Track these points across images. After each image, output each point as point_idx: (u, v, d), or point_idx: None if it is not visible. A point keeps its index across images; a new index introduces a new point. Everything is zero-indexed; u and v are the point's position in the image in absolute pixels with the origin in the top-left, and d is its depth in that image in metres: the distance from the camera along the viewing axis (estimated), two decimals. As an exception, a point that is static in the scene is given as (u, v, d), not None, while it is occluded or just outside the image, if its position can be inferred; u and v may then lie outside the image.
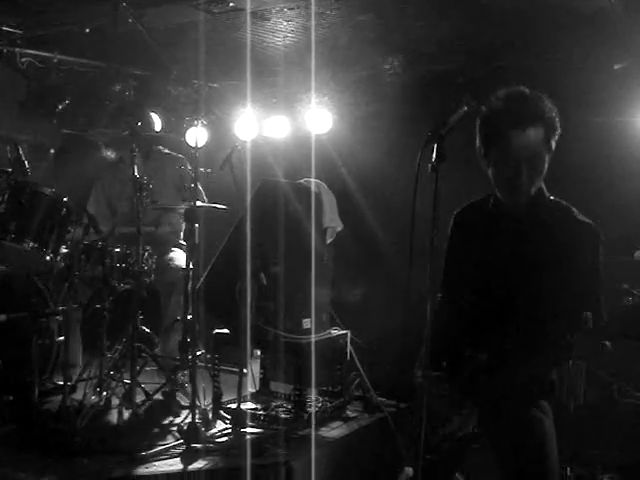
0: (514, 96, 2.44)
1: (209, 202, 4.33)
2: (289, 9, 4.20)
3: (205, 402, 3.66)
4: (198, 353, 3.77)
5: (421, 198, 2.20)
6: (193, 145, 4.04)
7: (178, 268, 4.40)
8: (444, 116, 2.25)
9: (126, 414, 3.65)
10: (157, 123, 4.94)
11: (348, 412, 3.92)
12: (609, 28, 3.99)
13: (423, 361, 2.23)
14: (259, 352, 4.18)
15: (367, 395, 3.96)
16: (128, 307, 3.86)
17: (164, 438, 3.41)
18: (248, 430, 3.47)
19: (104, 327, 3.76)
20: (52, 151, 5.73)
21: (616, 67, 4.30)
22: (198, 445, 3.27)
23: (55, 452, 3.14)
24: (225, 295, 3.67)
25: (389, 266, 4.92)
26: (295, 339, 3.74)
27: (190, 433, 3.30)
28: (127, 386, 3.73)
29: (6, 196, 3.76)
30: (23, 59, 4.98)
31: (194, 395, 3.45)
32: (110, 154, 4.80)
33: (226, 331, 3.88)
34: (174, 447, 3.27)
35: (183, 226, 4.10)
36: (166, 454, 3.21)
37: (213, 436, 3.42)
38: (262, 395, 4.09)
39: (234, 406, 3.58)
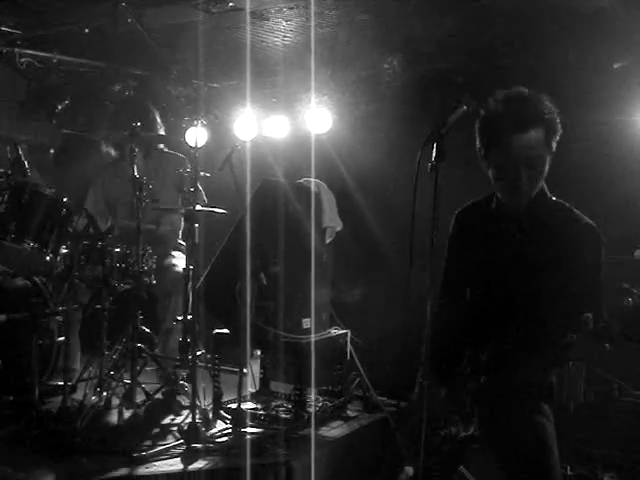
0: (514, 97, 2.43)
1: (209, 202, 4.31)
2: (288, 9, 4.19)
3: (205, 402, 3.65)
4: (198, 353, 3.76)
5: (421, 198, 2.20)
6: (193, 145, 4.03)
7: (178, 273, 4.34)
8: (444, 116, 2.25)
9: (126, 414, 3.66)
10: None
11: (348, 412, 3.92)
12: (609, 27, 3.98)
13: (423, 361, 2.23)
14: (259, 352, 4.18)
15: (367, 395, 3.97)
16: (128, 307, 3.86)
17: (164, 438, 3.41)
18: (248, 430, 3.46)
19: (104, 327, 3.76)
20: (52, 151, 5.73)
21: (616, 66, 4.29)
22: (198, 445, 3.27)
23: (55, 452, 3.13)
24: (225, 295, 3.67)
25: (389, 266, 4.92)
26: (295, 339, 3.74)
27: (190, 433, 3.30)
28: (127, 386, 3.74)
29: (6, 196, 3.75)
30: (23, 59, 4.97)
31: (194, 395, 3.44)
32: (110, 151, 4.77)
33: (226, 331, 3.88)
34: (174, 447, 3.27)
35: (183, 225, 4.09)
36: (166, 454, 3.21)
37: (213, 436, 3.42)
38: (262, 395, 4.09)
39: (234, 406, 3.59)
